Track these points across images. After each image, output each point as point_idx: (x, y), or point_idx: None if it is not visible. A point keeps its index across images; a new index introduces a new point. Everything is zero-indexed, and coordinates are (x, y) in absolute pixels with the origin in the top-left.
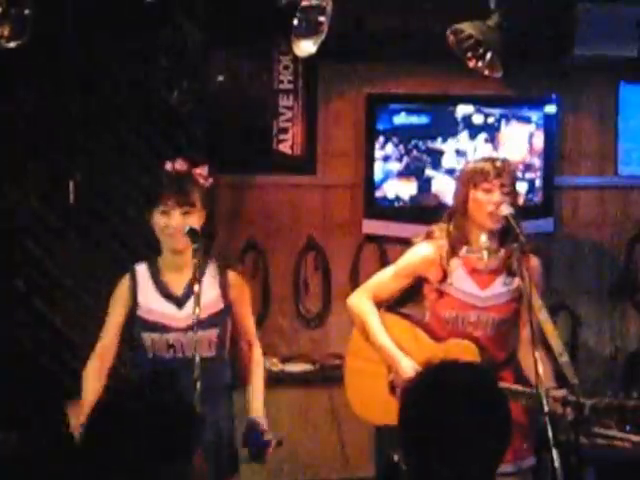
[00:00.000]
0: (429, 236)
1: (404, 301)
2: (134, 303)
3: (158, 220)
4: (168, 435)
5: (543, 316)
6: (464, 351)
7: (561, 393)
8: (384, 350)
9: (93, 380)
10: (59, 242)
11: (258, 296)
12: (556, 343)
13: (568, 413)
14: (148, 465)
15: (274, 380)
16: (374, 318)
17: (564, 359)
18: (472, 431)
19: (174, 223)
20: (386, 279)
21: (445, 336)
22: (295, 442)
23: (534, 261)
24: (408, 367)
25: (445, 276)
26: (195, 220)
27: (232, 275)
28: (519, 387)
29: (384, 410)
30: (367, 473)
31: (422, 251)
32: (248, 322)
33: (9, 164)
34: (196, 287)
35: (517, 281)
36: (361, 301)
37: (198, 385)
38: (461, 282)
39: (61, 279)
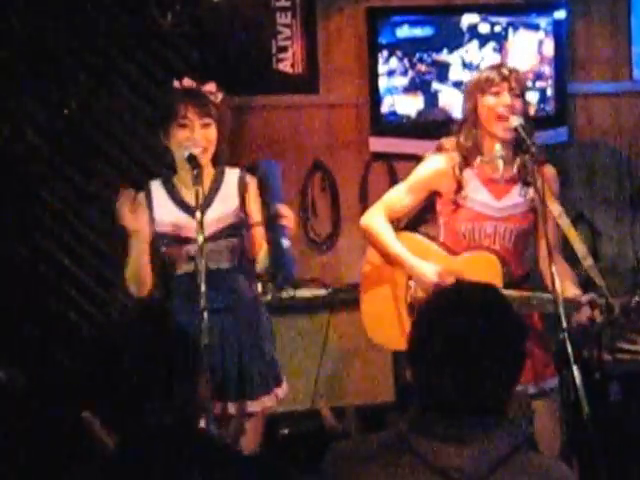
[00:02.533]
0: (439, 149)
1: (417, 223)
2: (150, 218)
3: (177, 134)
4: (165, 365)
5: (564, 222)
6: (485, 263)
7: (587, 297)
8: (402, 260)
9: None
10: (54, 171)
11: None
12: (579, 247)
13: (597, 316)
14: (151, 399)
15: (285, 306)
16: (389, 232)
17: (588, 262)
18: (487, 351)
19: (196, 136)
20: (399, 195)
21: (461, 251)
22: (310, 369)
23: (549, 170)
24: (430, 271)
25: (459, 188)
26: (214, 133)
27: (248, 178)
28: (543, 294)
29: (402, 334)
30: (387, 398)
31: (434, 163)
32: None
33: (1, 97)
34: (198, 214)
35: (532, 191)
36: (374, 219)
37: (205, 315)
38: (476, 193)
39: (59, 210)
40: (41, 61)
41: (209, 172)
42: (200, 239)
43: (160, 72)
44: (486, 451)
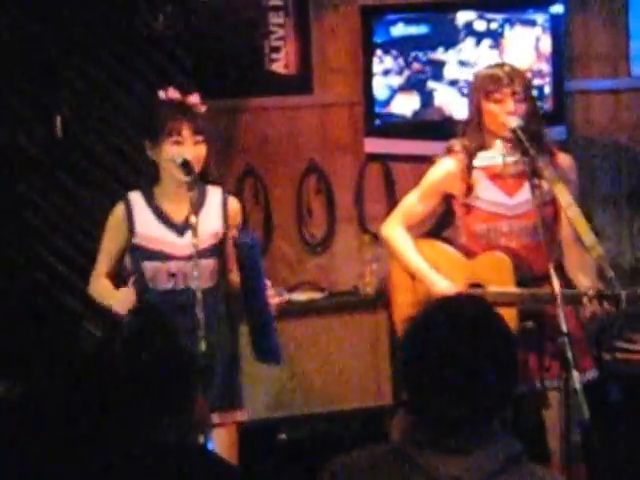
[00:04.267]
0: (449, 151)
1: (442, 226)
2: (131, 231)
3: (169, 150)
4: (166, 387)
5: (572, 213)
6: (496, 264)
7: (591, 290)
8: (419, 273)
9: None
10: (48, 178)
11: (260, 224)
12: (587, 238)
13: (598, 311)
14: (147, 417)
15: (281, 311)
16: (407, 243)
17: (597, 253)
18: (478, 366)
19: (188, 153)
20: (413, 202)
21: (480, 252)
22: (307, 373)
23: (564, 159)
24: (444, 288)
25: (469, 190)
26: (204, 151)
27: (232, 202)
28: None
29: None
30: (385, 401)
31: (444, 166)
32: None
33: None
34: (193, 219)
35: (544, 184)
36: (392, 230)
37: (201, 317)
38: (487, 192)
39: (52, 216)
40: (33, 65)
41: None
42: (194, 241)
43: (152, 75)
44: (484, 461)
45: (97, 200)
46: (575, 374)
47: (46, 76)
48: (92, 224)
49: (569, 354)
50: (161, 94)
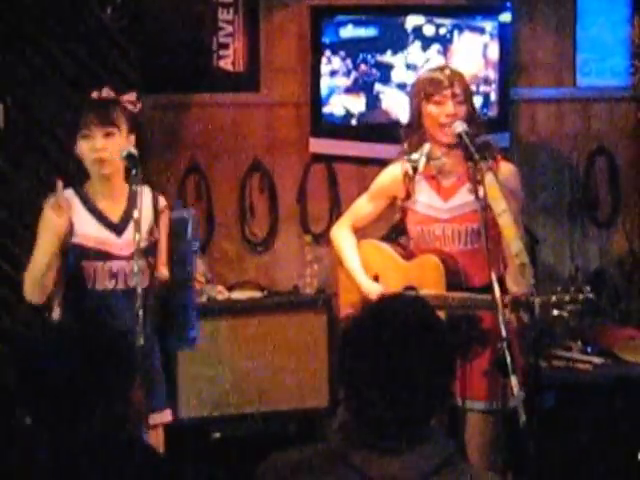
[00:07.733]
0: (399, 155)
1: (400, 231)
2: (69, 231)
3: (81, 145)
4: (107, 372)
5: (503, 220)
6: (428, 266)
7: (509, 297)
8: (353, 275)
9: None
10: None
11: (202, 221)
12: (514, 245)
13: (521, 315)
14: (85, 402)
15: (220, 309)
16: (347, 244)
17: (520, 261)
18: (414, 367)
19: (98, 145)
20: (362, 204)
21: (417, 254)
22: (244, 372)
23: (505, 167)
24: (373, 292)
25: (408, 195)
26: (118, 142)
27: (162, 202)
28: (478, 296)
29: None
30: (321, 403)
31: (390, 170)
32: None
33: None
34: (135, 213)
35: (482, 189)
36: (338, 230)
37: (140, 313)
38: (423, 195)
39: None
40: None
41: (123, 189)
42: (137, 238)
43: (98, 67)
44: (419, 461)
45: (38, 190)
46: (513, 380)
47: None
48: (34, 218)
49: (508, 359)
50: (94, 94)
